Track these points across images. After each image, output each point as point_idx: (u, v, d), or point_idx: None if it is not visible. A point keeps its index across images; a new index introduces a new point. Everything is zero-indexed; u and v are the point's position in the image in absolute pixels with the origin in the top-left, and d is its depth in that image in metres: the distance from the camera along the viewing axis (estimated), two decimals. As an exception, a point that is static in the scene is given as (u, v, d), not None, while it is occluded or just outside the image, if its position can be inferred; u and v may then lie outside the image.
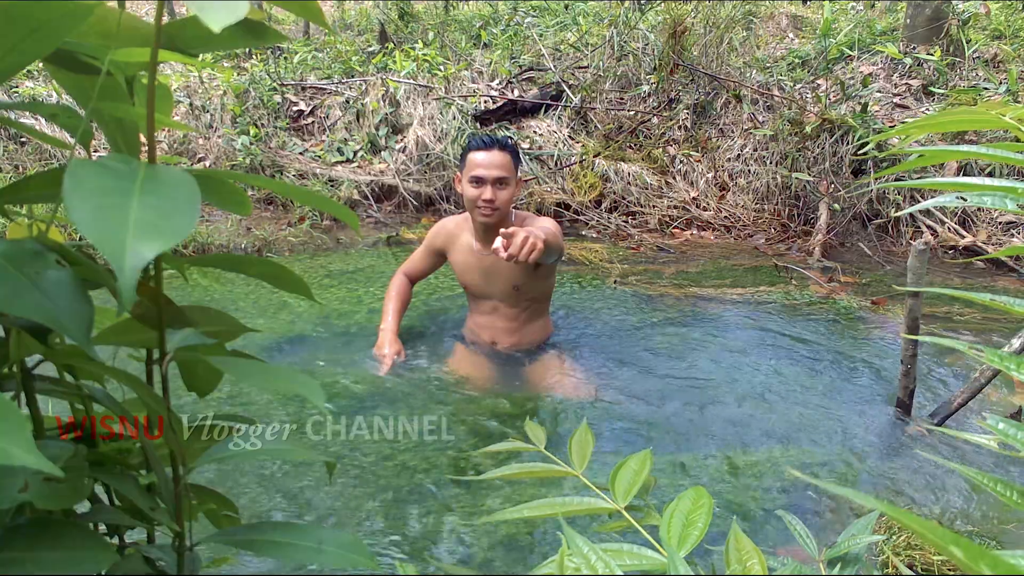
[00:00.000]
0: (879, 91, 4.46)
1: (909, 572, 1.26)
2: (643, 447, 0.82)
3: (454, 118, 4.43)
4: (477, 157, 2.06)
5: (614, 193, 4.27)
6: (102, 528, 0.57)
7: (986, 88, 4.22)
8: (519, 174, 2.16)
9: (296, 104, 4.76)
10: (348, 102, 4.69)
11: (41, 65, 0.51)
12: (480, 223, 2.11)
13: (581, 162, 4.33)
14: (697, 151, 4.45)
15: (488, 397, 2.03)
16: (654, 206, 4.23)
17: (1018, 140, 0.53)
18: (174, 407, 0.52)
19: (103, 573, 0.47)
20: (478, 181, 2.05)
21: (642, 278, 3.29)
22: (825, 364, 2.44)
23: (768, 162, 4.23)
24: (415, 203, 4.31)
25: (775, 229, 4.10)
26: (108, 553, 0.45)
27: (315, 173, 4.31)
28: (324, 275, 3.18)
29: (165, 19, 0.44)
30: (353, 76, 4.98)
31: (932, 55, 4.41)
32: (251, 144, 4.31)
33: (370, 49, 5.52)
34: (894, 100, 4.45)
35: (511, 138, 2.55)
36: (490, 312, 2.28)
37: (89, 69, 0.49)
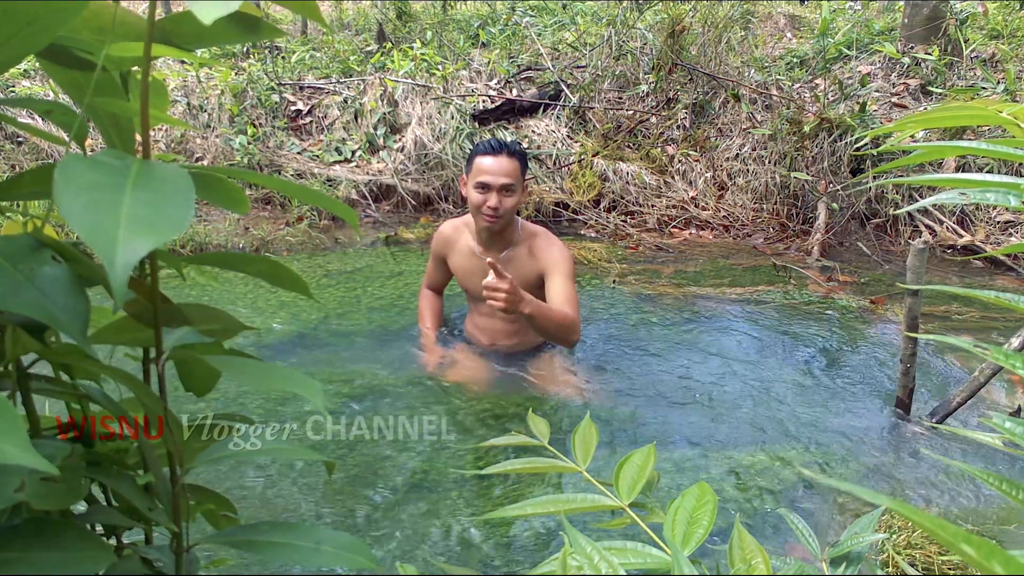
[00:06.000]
0: (877, 91, 4.46)
1: (912, 571, 1.25)
2: (642, 447, 0.82)
3: (452, 118, 4.42)
4: (484, 163, 2.03)
5: (613, 192, 4.27)
6: (99, 528, 0.56)
7: (984, 88, 4.22)
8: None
9: (294, 104, 4.75)
10: (346, 101, 4.68)
11: (38, 65, 0.50)
12: (483, 227, 2.10)
13: (580, 161, 4.33)
14: (695, 150, 4.45)
15: (488, 397, 2.03)
16: (653, 206, 4.22)
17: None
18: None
19: (100, 574, 0.46)
20: (484, 187, 2.02)
21: (641, 277, 3.29)
22: (824, 363, 2.44)
23: (767, 161, 4.23)
24: (413, 203, 4.30)
25: (774, 228, 4.10)
26: (105, 553, 0.45)
27: (313, 173, 4.30)
28: (322, 275, 3.17)
29: (161, 15, 0.44)
30: (351, 75, 4.97)
31: (930, 55, 4.41)
32: (249, 144, 4.30)
33: (368, 48, 5.52)
34: (892, 100, 4.45)
35: (520, 143, 2.56)
36: (489, 314, 2.27)
37: (84, 64, 0.49)
